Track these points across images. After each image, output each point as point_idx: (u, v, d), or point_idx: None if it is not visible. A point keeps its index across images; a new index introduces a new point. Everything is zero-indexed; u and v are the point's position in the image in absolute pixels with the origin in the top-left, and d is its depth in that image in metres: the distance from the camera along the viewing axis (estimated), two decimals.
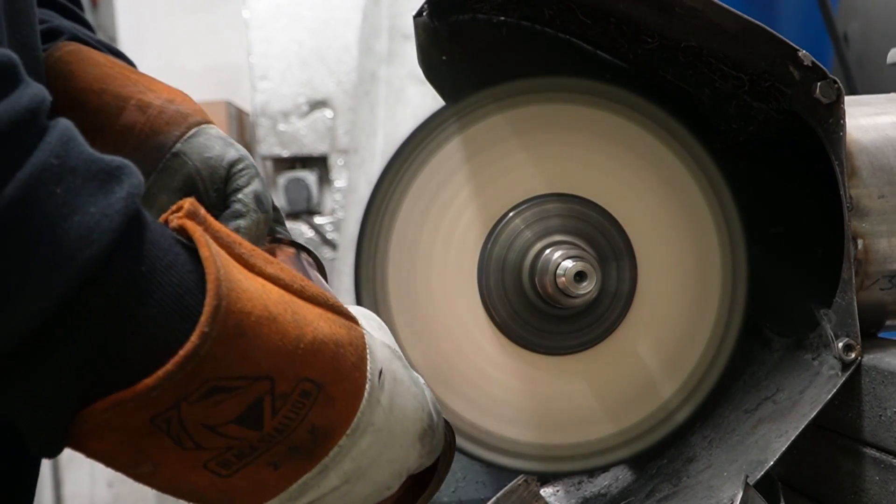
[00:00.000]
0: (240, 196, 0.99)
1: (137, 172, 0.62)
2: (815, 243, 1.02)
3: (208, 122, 1.04)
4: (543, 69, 1.00)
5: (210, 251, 0.64)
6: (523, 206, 0.98)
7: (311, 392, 0.66)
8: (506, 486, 0.90)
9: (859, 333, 0.87)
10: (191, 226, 0.65)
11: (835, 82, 0.86)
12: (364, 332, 0.73)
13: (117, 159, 0.61)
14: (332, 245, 3.90)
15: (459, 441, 0.99)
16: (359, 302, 0.97)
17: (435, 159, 0.98)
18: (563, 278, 0.93)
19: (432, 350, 0.98)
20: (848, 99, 0.88)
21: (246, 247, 0.68)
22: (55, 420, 0.62)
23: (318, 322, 0.68)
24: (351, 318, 0.72)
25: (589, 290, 0.93)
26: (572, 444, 1.00)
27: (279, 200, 3.93)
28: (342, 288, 3.33)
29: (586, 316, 0.99)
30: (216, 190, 1.00)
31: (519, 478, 0.90)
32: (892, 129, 0.94)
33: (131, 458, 0.65)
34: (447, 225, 0.98)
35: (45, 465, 4.09)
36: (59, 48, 1.03)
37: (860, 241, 0.90)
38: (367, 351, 0.71)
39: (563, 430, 1.00)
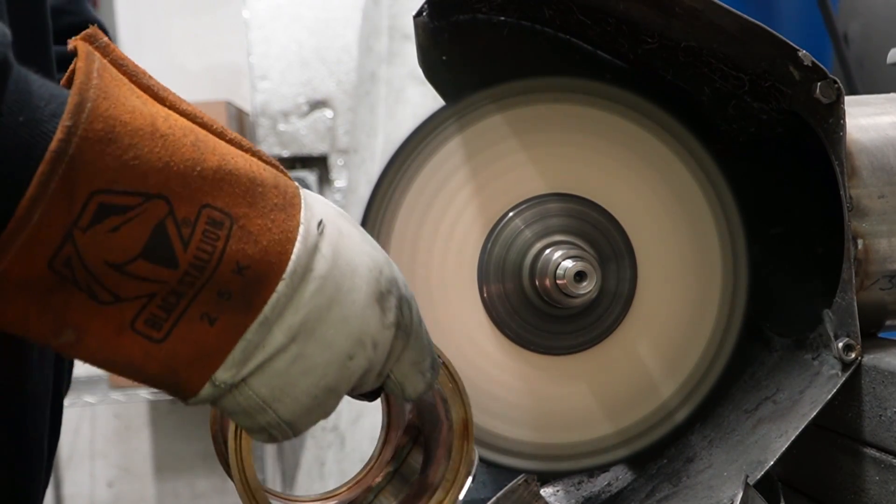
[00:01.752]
0: None
1: (2, 26, 0.60)
2: (815, 243, 1.02)
3: None
4: (543, 69, 1.00)
5: (87, 64, 0.62)
6: (523, 206, 0.98)
7: (222, 222, 0.63)
8: (506, 486, 0.90)
9: (859, 333, 0.87)
10: (80, 45, 0.64)
11: (835, 82, 0.86)
12: (299, 187, 0.70)
13: None
14: None
15: None
16: None
17: (435, 159, 0.98)
18: (563, 278, 0.93)
19: None
20: (848, 99, 0.88)
21: (158, 83, 0.67)
22: None
23: (231, 157, 0.66)
24: (284, 173, 0.70)
25: (589, 290, 0.93)
26: (572, 443, 1.00)
27: None
28: None
29: (586, 316, 0.99)
30: None
31: (519, 478, 0.90)
32: (892, 129, 0.94)
33: (49, 323, 0.61)
34: (447, 225, 0.98)
35: None
36: None
37: (860, 241, 0.90)
38: (301, 199, 0.69)
39: (562, 429, 1.00)
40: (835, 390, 0.86)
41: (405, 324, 0.74)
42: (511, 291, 0.98)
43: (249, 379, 0.67)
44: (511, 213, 0.98)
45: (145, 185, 0.61)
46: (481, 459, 1.00)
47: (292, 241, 0.66)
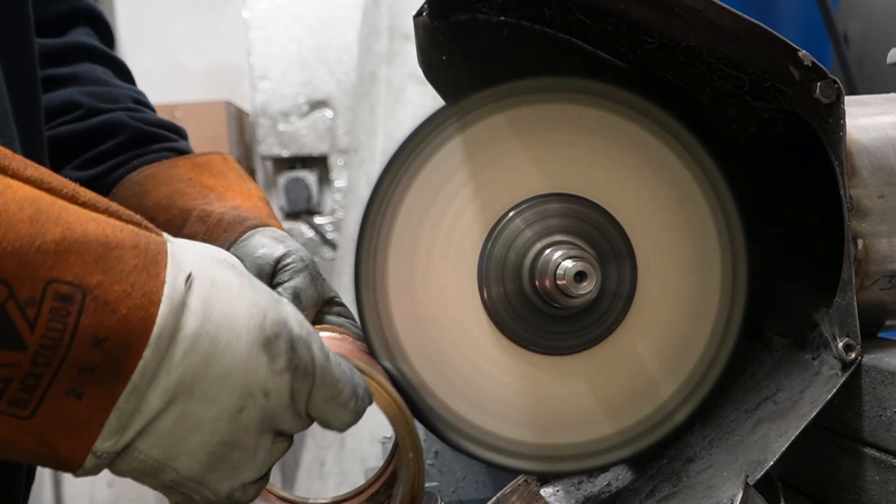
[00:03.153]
0: (279, 290, 0.99)
1: None
2: (815, 243, 1.02)
3: (267, 224, 1.06)
4: (543, 69, 1.00)
5: None
6: (523, 206, 0.98)
7: (73, 296, 0.61)
8: (506, 486, 0.90)
9: (859, 333, 0.87)
10: None
11: (835, 82, 0.86)
12: (168, 240, 0.68)
13: None
14: (332, 245, 3.90)
15: (460, 440, 0.99)
16: (359, 302, 0.96)
17: (435, 159, 0.98)
18: (564, 278, 0.93)
19: (432, 350, 0.98)
20: (848, 99, 0.88)
21: (4, 152, 0.64)
22: None
23: (79, 224, 0.63)
24: (146, 227, 0.67)
25: (589, 290, 0.93)
26: (572, 444, 1.00)
27: (280, 200, 3.93)
28: (342, 288, 3.33)
29: (586, 316, 0.99)
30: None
31: (519, 478, 0.90)
32: (892, 129, 0.94)
33: None
34: (447, 225, 0.98)
35: None
36: (140, 173, 1.13)
37: (860, 241, 0.90)
38: (168, 256, 0.66)
39: (562, 430, 1.00)
40: (835, 390, 0.86)
41: (303, 365, 0.72)
42: (511, 291, 0.98)
43: (136, 443, 0.66)
44: (511, 213, 0.98)
45: None
46: (481, 459, 1.00)
47: (156, 303, 0.64)
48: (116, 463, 0.67)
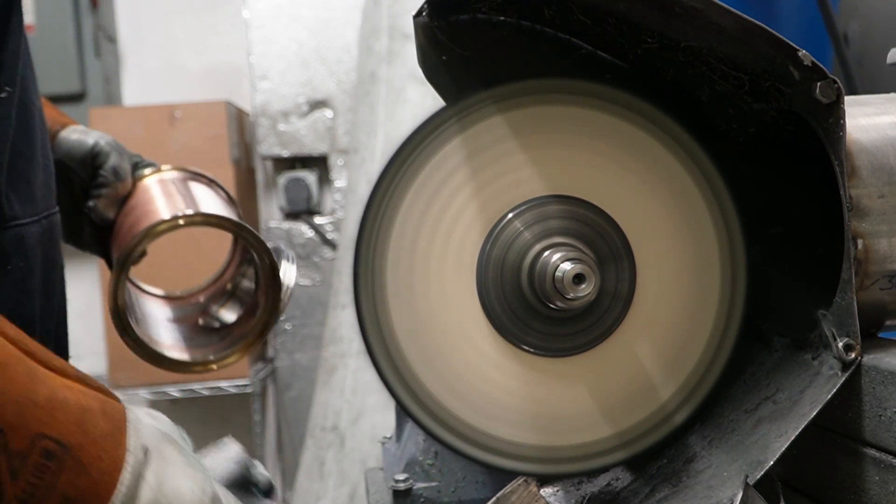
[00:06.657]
0: (101, 171, 1.31)
1: None
2: (815, 243, 1.02)
3: (68, 124, 1.36)
4: (543, 69, 1.00)
5: None
6: (522, 208, 0.98)
7: (56, 454, 0.65)
8: (505, 486, 0.90)
9: (859, 333, 0.87)
10: None
11: (835, 82, 0.86)
12: (127, 408, 0.72)
13: None
14: (332, 245, 3.90)
15: (459, 442, 0.99)
16: (358, 302, 0.96)
17: (435, 160, 0.98)
18: (562, 281, 0.93)
19: (431, 351, 0.98)
20: (848, 99, 0.88)
21: None
22: None
23: (58, 387, 0.67)
24: (109, 395, 0.72)
25: (587, 292, 0.93)
26: (571, 445, 1.00)
27: (280, 200, 3.93)
28: (342, 288, 3.33)
29: (585, 318, 0.98)
30: (84, 170, 1.33)
31: (518, 478, 0.90)
32: (892, 129, 0.94)
33: None
34: (446, 226, 0.98)
35: None
36: None
37: (860, 241, 0.90)
38: (129, 424, 0.72)
39: (561, 431, 1.00)
40: (835, 390, 0.86)
41: None
42: (510, 293, 0.98)
43: None
44: (510, 215, 0.98)
45: None
46: (481, 461, 1.00)
47: (120, 470, 0.69)
48: None
